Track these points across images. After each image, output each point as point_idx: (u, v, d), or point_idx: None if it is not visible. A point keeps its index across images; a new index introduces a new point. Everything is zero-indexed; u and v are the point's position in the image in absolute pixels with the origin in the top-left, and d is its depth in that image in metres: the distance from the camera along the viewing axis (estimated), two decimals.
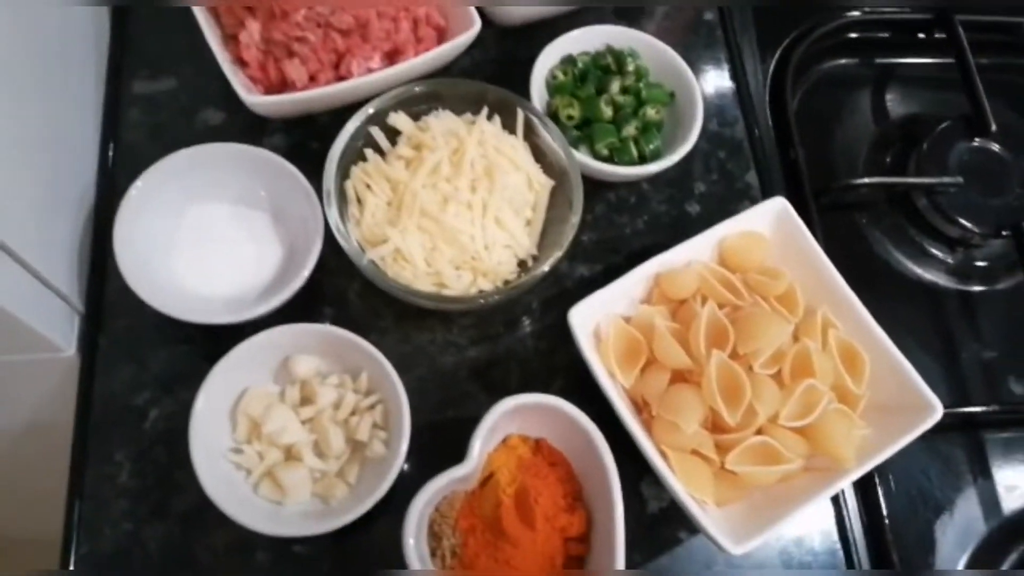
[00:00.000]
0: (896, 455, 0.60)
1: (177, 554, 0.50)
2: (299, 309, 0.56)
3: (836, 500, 0.57)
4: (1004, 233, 0.69)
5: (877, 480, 0.59)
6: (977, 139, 0.73)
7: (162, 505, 0.51)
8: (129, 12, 0.66)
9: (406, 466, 0.54)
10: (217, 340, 0.52)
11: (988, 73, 0.74)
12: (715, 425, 0.51)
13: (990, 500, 0.62)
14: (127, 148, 0.62)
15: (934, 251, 0.71)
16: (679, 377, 0.52)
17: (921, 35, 0.80)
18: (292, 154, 0.61)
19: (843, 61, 0.80)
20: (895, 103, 0.79)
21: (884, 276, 0.70)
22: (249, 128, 0.62)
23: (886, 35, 0.80)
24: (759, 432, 0.50)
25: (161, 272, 0.54)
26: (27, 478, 0.60)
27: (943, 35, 0.77)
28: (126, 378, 0.54)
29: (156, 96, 0.64)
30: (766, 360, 0.50)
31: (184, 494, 0.51)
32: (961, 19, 0.77)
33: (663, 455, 0.50)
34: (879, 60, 0.80)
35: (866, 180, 0.70)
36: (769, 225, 0.57)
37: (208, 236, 0.57)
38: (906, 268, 0.71)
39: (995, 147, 0.72)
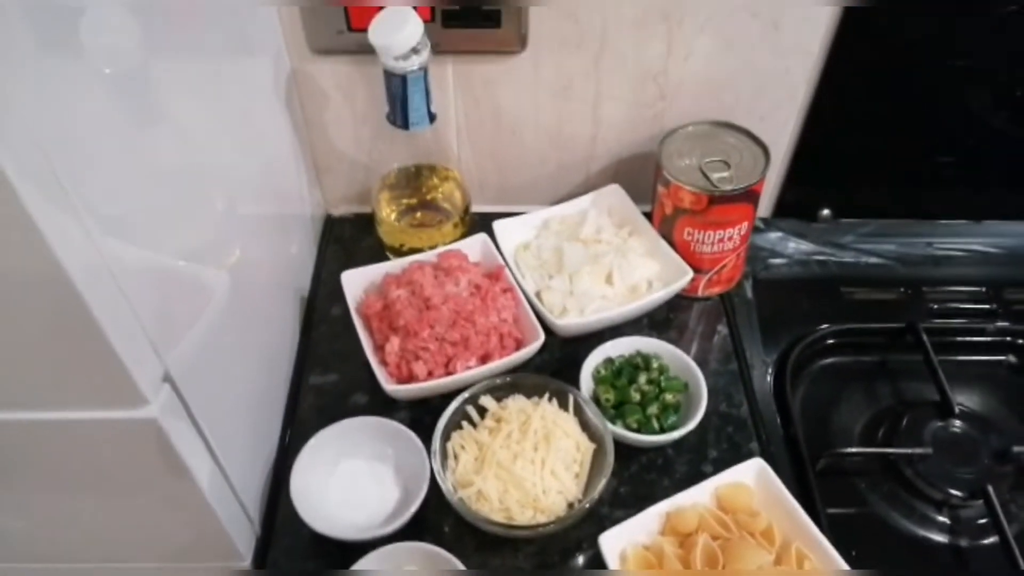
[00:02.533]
0: None
1: None
2: (411, 534, 0.77)
3: None
4: (979, 498, 0.84)
5: None
6: (946, 419, 0.91)
7: None
8: (312, 325, 0.98)
9: None
10: (351, 554, 0.74)
11: (952, 367, 0.95)
12: None
13: None
14: (300, 422, 0.89)
15: (924, 511, 0.86)
16: None
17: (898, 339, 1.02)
18: (412, 425, 0.87)
19: (835, 359, 1.01)
20: (882, 391, 0.97)
21: (883, 533, 0.84)
22: (384, 407, 0.88)
23: (867, 340, 1.02)
24: None
25: (318, 505, 0.78)
26: None
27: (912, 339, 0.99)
28: None
29: (324, 385, 0.92)
30: None
31: None
32: (925, 327, 0.98)
33: None
34: (867, 358, 1.01)
35: (851, 449, 0.88)
36: (753, 478, 0.76)
37: (352, 481, 0.81)
38: (903, 526, 0.84)
39: (959, 424, 0.90)
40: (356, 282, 0.92)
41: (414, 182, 0.97)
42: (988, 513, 0.82)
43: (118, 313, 0.50)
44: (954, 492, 0.85)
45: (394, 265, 0.93)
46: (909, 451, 0.87)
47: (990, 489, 0.83)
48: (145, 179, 0.57)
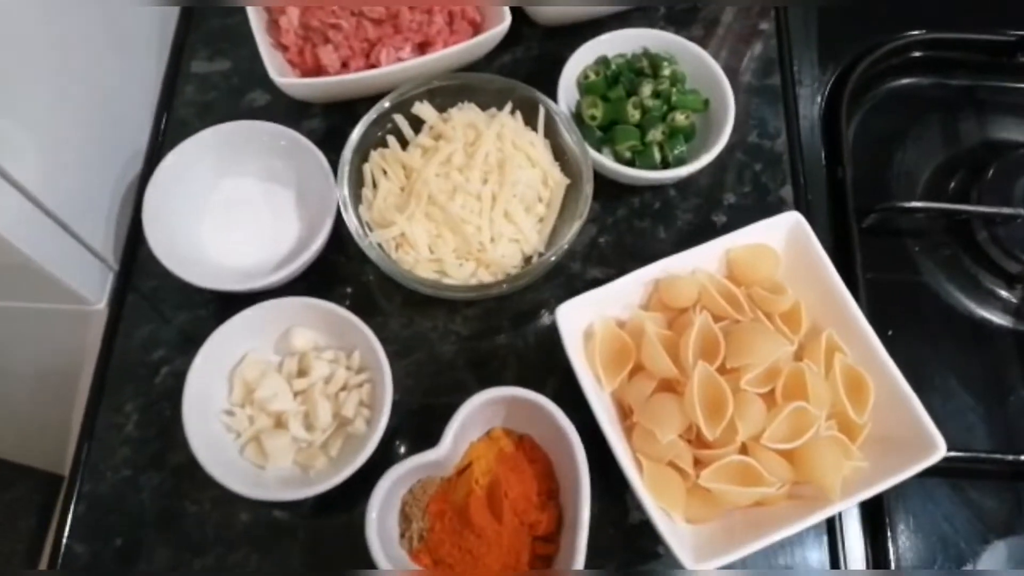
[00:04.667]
0: (919, 499, 0.57)
1: (167, 504, 0.53)
2: (316, 286, 0.58)
3: (832, 534, 0.54)
4: None
5: (889, 522, 0.56)
6: None
7: (160, 457, 0.54)
8: None
9: (402, 448, 0.55)
10: (233, 307, 0.55)
11: None
12: (699, 439, 0.49)
13: (1022, 557, 0.58)
14: (178, 123, 0.66)
15: (990, 286, 0.67)
16: (667, 386, 0.51)
17: (1004, 58, 0.75)
18: (327, 137, 0.64)
19: (914, 80, 0.75)
20: (968, 128, 0.74)
21: (932, 307, 0.66)
22: (291, 111, 0.65)
23: (963, 55, 0.75)
24: (743, 451, 0.48)
25: (187, 240, 0.58)
26: (44, 414, 0.65)
27: None
28: (145, 335, 0.58)
29: (211, 75, 0.68)
30: (757, 377, 0.49)
31: (180, 449, 0.53)
32: None
33: (638, 463, 0.49)
34: (954, 82, 0.75)
35: (915, 204, 0.66)
36: (782, 240, 0.55)
37: (235, 209, 0.60)
38: (957, 302, 0.66)
39: None
40: None
41: None
42: None
43: None
44: None
45: None
46: (991, 210, 0.65)
47: None
48: None
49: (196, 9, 0.70)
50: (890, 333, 0.63)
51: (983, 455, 0.59)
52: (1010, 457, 0.58)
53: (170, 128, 0.65)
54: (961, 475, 0.59)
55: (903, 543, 0.56)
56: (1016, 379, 0.64)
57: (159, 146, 0.64)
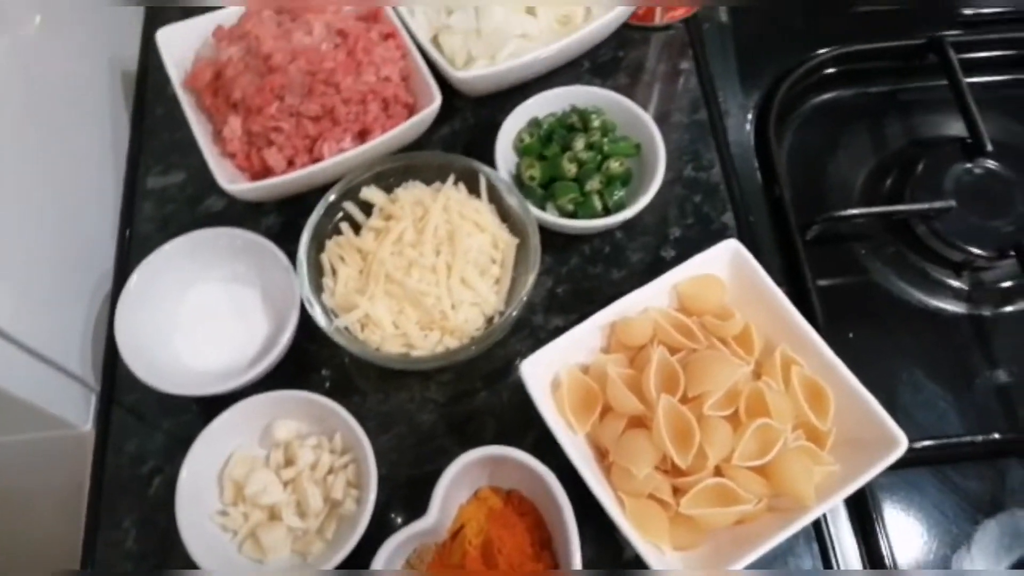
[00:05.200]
0: (906, 491, 0.58)
1: None
2: (291, 377, 0.60)
3: (822, 540, 0.56)
4: (1010, 254, 0.67)
5: (878, 518, 0.57)
6: (975, 160, 0.71)
7: (161, 567, 0.55)
8: (147, 111, 0.74)
9: (398, 520, 0.57)
10: (215, 406, 0.56)
11: (985, 91, 0.73)
12: (675, 469, 0.51)
13: (1013, 531, 0.59)
14: (141, 239, 0.68)
15: (939, 277, 0.69)
16: (637, 423, 0.53)
17: (916, 60, 0.79)
18: (284, 231, 0.67)
19: (835, 93, 0.79)
20: (894, 131, 0.77)
21: (887, 305, 0.68)
22: (247, 211, 0.67)
23: (877, 64, 0.79)
24: (718, 473, 0.50)
25: (162, 352, 0.60)
26: (47, 539, 0.66)
27: (936, 59, 0.76)
28: (134, 449, 0.59)
29: (167, 188, 0.70)
30: (719, 402, 0.51)
31: (180, 556, 0.54)
32: (952, 40, 0.75)
33: (620, 501, 0.50)
34: (874, 89, 0.79)
35: (852, 211, 0.69)
36: (725, 267, 0.57)
37: (204, 315, 0.62)
38: (911, 296, 0.69)
39: (993, 166, 0.70)
40: (179, 41, 0.67)
41: None
42: (1022, 271, 0.65)
43: None
44: (978, 251, 0.67)
45: (229, 13, 0.67)
46: (925, 206, 0.68)
47: None
48: None
49: (148, 123, 0.73)
50: (851, 336, 0.66)
51: (957, 440, 0.61)
52: (980, 438, 0.60)
53: (134, 245, 0.68)
54: (941, 461, 0.60)
55: (896, 537, 0.57)
56: (978, 362, 0.66)
57: (125, 264, 0.67)
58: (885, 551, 0.56)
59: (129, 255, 0.67)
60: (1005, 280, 0.69)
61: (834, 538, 0.56)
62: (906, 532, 0.58)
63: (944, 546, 0.58)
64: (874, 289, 0.69)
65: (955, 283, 0.69)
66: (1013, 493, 0.60)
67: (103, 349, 0.63)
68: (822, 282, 0.66)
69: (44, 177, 0.59)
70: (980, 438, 0.60)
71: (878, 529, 0.57)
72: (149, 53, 0.76)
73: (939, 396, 0.64)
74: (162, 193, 0.70)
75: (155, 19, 0.78)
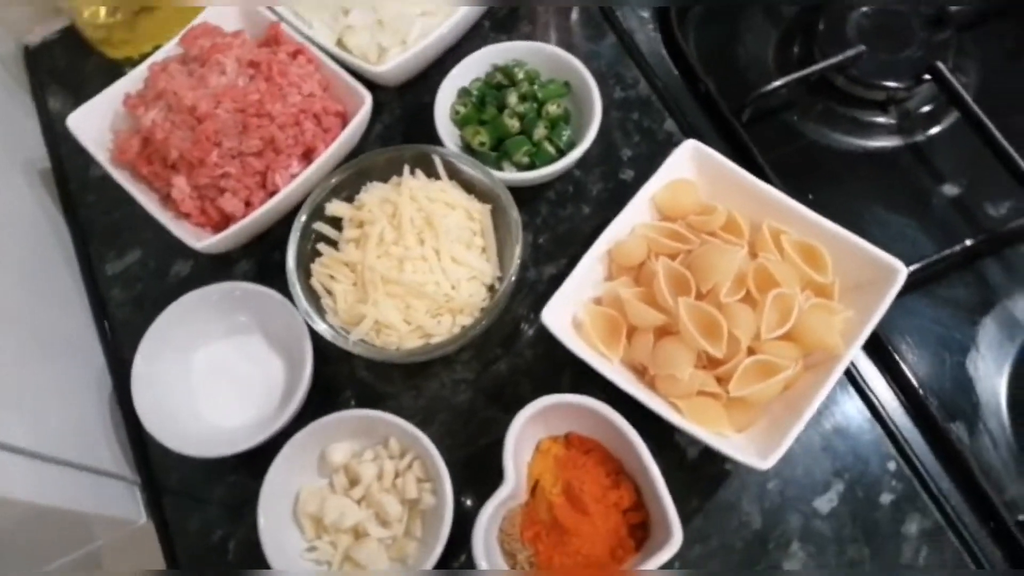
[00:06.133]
0: (906, 319, 0.62)
1: None
2: (318, 406, 0.60)
3: (856, 383, 0.60)
4: (925, 78, 0.71)
5: (892, 349, 0.61)
6: (868, 3, 0.75)
7: None
8: (77, 202, 0.72)
9: (468, 502, 0.58)
10: (259, 458, 0.57)
11: None
12: (711, 362, 0.54)
13: (1009, 320, 0.64)
14: (122, 324, 0.67)
15: (869, 119, 0.73)
16: (664, 333, 0.55)
17: None
18: (262, 274, 0.66)
19: None
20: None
21: (833, 159, 0.72)
22: (216, 265, 0.67)
23: None
24: (751, 353, 0.53)
25: (191, 422, 0.60)
26: None
27: None
28: (196, 526, 0.59)
29: (129, 269, 0.69)
30: (731, 288, 0.54)
31: None
32: None
33: (674, 406, 0.53)
34: None
35: (775, 83, 0.72)
36: (692, 167, 0.60)
37: (218, 374, 0.62)
38: (850, 144, 0.73)
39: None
40: (92, 123, 0.65)
41: None
42: (941, 90, 0.70)
43: None
44: (896, 84, 0.72)
45: (130, 81, 0.66)
46: (839, 58, 0.72)
47: (939, 65, 0.70)
48: None
49: (82, 216, 0.71)
50: (811, 197, 0.70)
51: (937, 256, 0.64)
52: (957, 247, 0.64)
53: (117, 333, 0.67)
54: (928, 282, 0.65)
55: (912, 360, 0.62)
56: (927, 184, 0.70)
57: (117, 352, 0.65)
58: (909, 374, 0.60)
59: (116, 343, 0.66)
60: (927, 104, 0.73)
61: (864, 377, 0.60)
62: (919, 353, 0.62)
63: (955, 353, 0.62)
64: (816, 148, 0.73)
65: (884, 120, 0.73)
66: (997, 288, 0.65)
67: (127, 441, 0.62)
68: (770, 156, 0.69)
69: (7, 310, 0.57)
70: (957, 247, 0.64)
71: (896, 358, 0.61)
72: (58, 145, 0.74)
73: (905, 225, 0.68)
74: (125, 275, 0.69)
75: (48, 111, 0.76)
